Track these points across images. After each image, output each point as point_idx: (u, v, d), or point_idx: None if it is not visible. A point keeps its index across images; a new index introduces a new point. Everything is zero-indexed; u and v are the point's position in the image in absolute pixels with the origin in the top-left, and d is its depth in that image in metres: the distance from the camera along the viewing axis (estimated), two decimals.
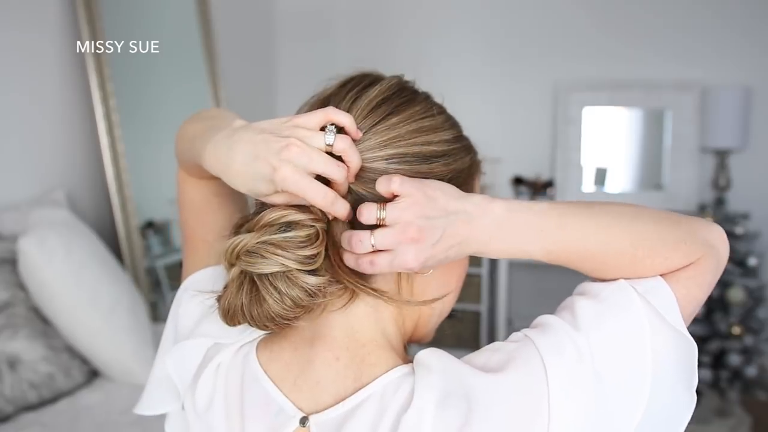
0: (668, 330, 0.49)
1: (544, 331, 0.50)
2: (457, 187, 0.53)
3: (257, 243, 0.50)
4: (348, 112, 0.54)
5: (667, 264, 0.51)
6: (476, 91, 2.99)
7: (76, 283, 1.53)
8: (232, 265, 0.52)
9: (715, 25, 2.74)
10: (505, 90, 3.01)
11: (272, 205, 0.52)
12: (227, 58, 2.73)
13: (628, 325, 0.49)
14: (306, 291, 0.50)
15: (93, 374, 1.62)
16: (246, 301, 0.51)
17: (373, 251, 0.50)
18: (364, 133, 0.53)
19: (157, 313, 2.19)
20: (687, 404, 0.50)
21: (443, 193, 0.49)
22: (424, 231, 0.48)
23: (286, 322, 0.51)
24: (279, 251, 0.49)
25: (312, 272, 0.51)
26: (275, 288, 0.49)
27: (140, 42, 2.16)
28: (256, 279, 0.50)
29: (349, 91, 0.56)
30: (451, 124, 0.59)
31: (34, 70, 1.91)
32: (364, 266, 0.50)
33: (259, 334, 0.62)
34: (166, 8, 2.46)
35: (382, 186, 0.50)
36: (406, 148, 0.53)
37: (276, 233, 0.50)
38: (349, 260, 0.52)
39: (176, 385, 0.62)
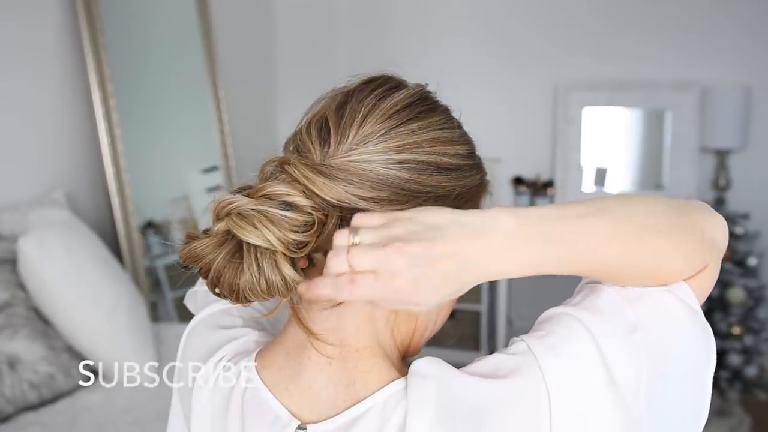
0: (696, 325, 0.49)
1: (546, 332, 0.49)
2: (462, 204, 0.52)
3: (252, 209, 0.48)
4: (372, 111, 0.53)
5: (678, 275, 0.49)
6: (476, 90, 2.99)
7: (76, 283, 1.53)
8: (218, 219, 0.50)
9: (715, 25, 2.74)
10: (505, 90, 3.01)
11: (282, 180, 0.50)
12: (227, 58, 2.73)
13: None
14: (285, 282, 0.48)
15: (93, 374, 1.62)
16: (222, 261, 0.49)
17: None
18: (382, 135, 0.52)
19: (157, 313, 2.19)
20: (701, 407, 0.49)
21: (429, 210, 0.44)
22: (412, 238, 0.41)
23: (244, 299, 0.49)
24: (271, 226, 0.47)
25: (292, 263, 0.49)
26: (258, 265, 0.47)
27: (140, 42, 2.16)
28: (244, 247, 0.48)
29: (374, 89, 0.55)
30: (467, 140, 0.58)
31: (35, 70, 1.91)
32: (344, 292, 0.42)
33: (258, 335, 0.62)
34: (166, 8, 2.46)
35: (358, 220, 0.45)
36: (422, 156, 0.52)
37: (274, 207, 0.48)
38: (323, 286, 0.44)
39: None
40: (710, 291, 0.52)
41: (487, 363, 0.49)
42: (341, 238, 0.44)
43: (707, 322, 0.49)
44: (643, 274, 0.48)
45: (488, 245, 0.43)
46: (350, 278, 0.42)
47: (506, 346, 0.51)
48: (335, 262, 0.43)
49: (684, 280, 0.50)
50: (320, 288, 0.44)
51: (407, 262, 0.41)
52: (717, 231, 0.51)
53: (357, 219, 0.45)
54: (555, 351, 0.46)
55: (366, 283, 0.42)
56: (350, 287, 0.42)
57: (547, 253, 0.44)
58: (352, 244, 0.43)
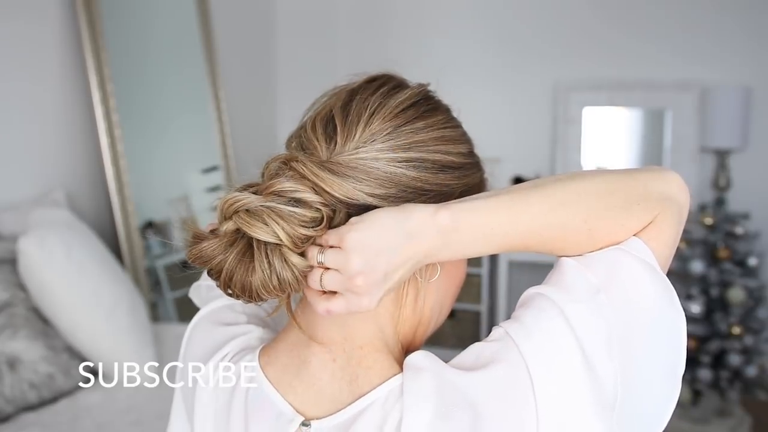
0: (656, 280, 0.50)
1: (520, 314, 0.50)
2: None
3: (262, 205, 0.48)
4: (378, 109, 0.54)
5: (625, 230, 0.51)
6: (476, 90, 2.99)
7: (76, 283, 1.53)
8: (226, 218, 0.50)
9: (715, 25, 2.74)
10: (505, 89, 3.01)
11: (289, 177, 0.51)
12: (227, 58, 2.73)
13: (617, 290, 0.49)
14: (295, 276, 0.48)
15: (93, 374, 1.62)
16: (233, 261, 0.48)
17: (326, 293, 0.49)
18: (389, 133, 0.53)
19: (157, 313, 2.19)
20: (670, 390, 0.50)
21: (380, 228, 0.48)
22: (369, 278, 0.47)
23: (257, 297, 0.49)
24: (281, 222, 0.48)
25: (299, 255, 0.49)
26: (269, 263, 0.48)
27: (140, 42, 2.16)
28: (254, 245, 0.48)
29: (379, 88, 0.56)
30: (467, 138, 0.59)
31: (35, 70, 1.91)
32: (320, 309, 0.49)
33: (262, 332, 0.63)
34: (166, 8, 2.46)
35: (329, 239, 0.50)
36: (427, 154, 0.53)
37: (283, 204, 0.49)
38: (309, 296, 0.51)
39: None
40: (674, 243, 0.53)
41: (469, 354, 0.50)
42: (312, 253, 0.49)
43: (664, 276, 0.51)
44: (586, 238, 0.51)
45: (428, 246, 0.48)
46: (327, 307, 0.49)
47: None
48: (311, 281, 0.49)
49: (636, 235, 0.52)
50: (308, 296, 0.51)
51: (368, 289, 0.47)
52: (663, 183, 0.53)
53: (323, 239, 0.50)
54: (528, 331, 0.48)
55: (338, 306, 0.48)
56: (327, 312, 0.49)
57: (484, 241, 0.49)
58: (320, 263, 0.49)
